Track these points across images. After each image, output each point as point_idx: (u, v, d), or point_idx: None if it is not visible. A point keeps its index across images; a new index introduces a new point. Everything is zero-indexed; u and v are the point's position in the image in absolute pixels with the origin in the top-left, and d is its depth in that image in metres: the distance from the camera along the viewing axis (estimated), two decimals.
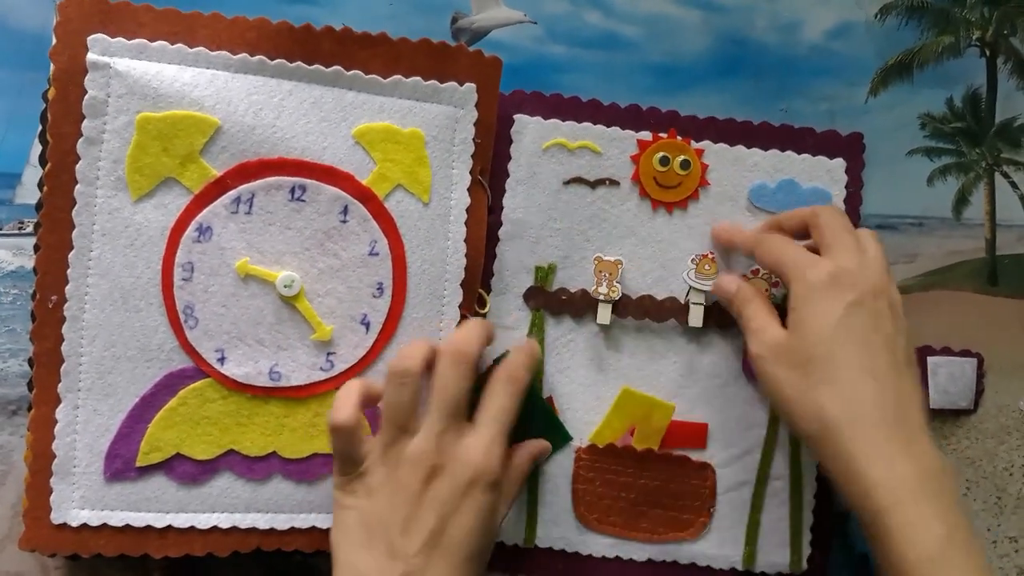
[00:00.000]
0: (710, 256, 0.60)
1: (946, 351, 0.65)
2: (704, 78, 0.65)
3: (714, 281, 0.59)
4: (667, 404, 0.61)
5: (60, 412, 0.52)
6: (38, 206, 0.52)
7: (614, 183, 0.61)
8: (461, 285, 0.58)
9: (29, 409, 0.53)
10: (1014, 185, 0.68)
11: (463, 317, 0.58)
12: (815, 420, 0.51)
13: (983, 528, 0.66)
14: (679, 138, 0.61)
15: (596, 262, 0.60)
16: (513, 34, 0.63)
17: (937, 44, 0.67)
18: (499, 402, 0.53)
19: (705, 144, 0.61)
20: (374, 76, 0.56)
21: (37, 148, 0.53)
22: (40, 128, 0.53)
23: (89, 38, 0.52)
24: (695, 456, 0.61)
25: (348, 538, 0.51)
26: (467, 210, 0.58)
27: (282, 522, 0.55)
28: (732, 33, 0.65)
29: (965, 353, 0.65)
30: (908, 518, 0.47)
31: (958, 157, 0.68)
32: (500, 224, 0.60)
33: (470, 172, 0.58)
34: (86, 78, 0.51)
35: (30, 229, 0.57)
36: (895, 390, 0.51)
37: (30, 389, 0.53)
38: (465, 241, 0.58)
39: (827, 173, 0.62)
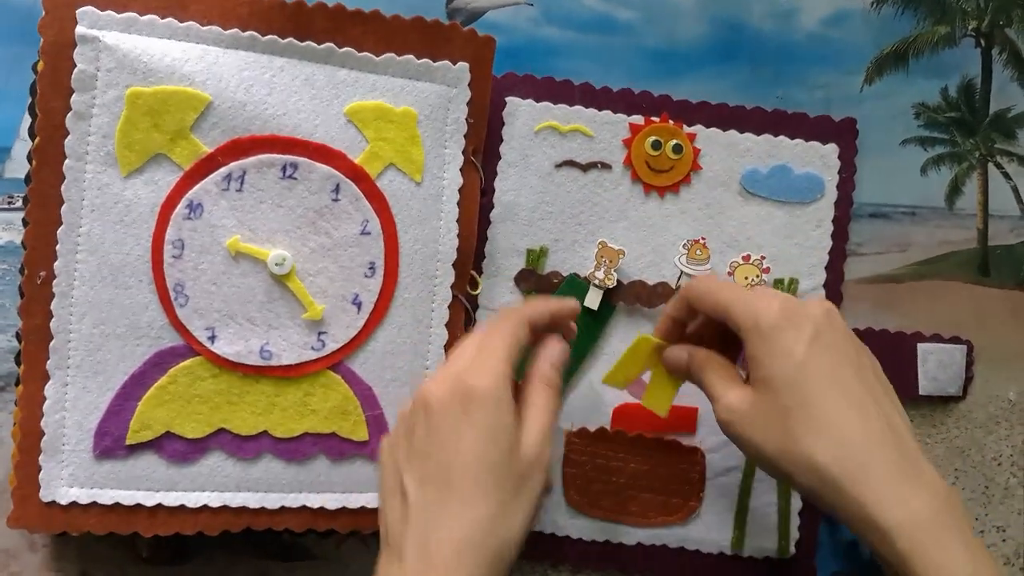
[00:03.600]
0: (702, 241, 0.60)
1: (936, 338, 0.65)
2: (700, 64, 0.65)
3: (665, 357, 0.55)
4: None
5: (49, 389, 0.52)
6: (27, 179, 0.52)
7: (606, 166, 0.61)
8: (453, 265, 0.58)
9: (17, 384, 0.52)
10: (1007, 176, 0.68)
11: (455, 298, 0.58)
12: (810, 474, 0.47)
13: (971, 517, 0.67)
14: (671, 122, 0.61)
15: (600, 246, 0.60)
16: (509, 15, 0.63)
17: (933, 34, 0.67)
18: (539, 402, 0.50)
19: (697, 128, 0.61)
20: (367, 54, 0.55)
21: (27, 122, 0.53)
22: (30, 101, 0.52)
23: (78, 11, 0.51)
24: (685, 441, 0.61)
25: (380, 494, 0.49)
26: (460, 190, 0.58)
27: (272, 501, 0.55)
28: (729, 19, 0.65)
29: (955, 340, 0.65)
30: (935, 560, 0.44)
31: (952, 147, 0.68)
32: (492, 207, 0.60)
33: (463, 152, 0.57)
34: (75, 51, 0.51)
35: (19, 203, 0.56)
36: (881, 419, 0.48)
37: (18, 364, 0.52)
38: (457, 221, 0.58)
39: (820, 159, 0.62)
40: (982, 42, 0.68)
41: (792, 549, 0.62)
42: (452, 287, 0.58)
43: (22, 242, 0.52)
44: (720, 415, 0.51)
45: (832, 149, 0.62)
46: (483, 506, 0.45)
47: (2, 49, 0.57)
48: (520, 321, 0.51)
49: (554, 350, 0.52)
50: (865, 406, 0.48)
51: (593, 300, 0.60)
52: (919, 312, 0.66)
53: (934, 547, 0.44)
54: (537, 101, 0.60)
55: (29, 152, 0.52)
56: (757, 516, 0.62)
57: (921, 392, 0.64)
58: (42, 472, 0.52)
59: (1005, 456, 0.67)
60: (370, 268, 0.56)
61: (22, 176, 0.53)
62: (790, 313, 0.49)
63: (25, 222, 0.52)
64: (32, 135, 0.52)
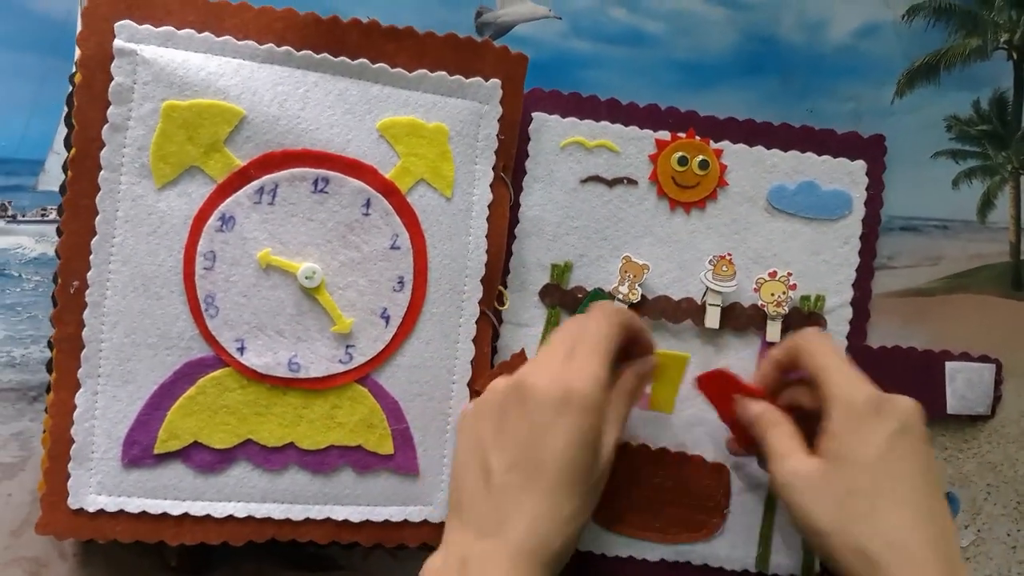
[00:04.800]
0: (728, 257, 0.61)
1: (964, 356, 0.65)
2: (729, 76, 0.65)
3: (740, 405, 0.57)
4: (680, 355, 0.58)
5: (79, 398, 0.52)
6: (61, 190, 0.52)
7: (632, 182, 0.61)
8: (481, 281, 0.58)
9: (48, 391, 0.53)
10: None
11: (482, 313, 0.58)
12: (855, 556, 0.48)
13: (1003, 533, 0.66)
14: (698, 138, 0.61)
15: (624, 261, 0.60)
16: (538, 29, 0.63)
17: (964, 46, 0.67)
18: (619, 413, 0.53)
19: (724, 144, 0.62)
20: (400, 70, 0.56)
21: (60, 135, 0.54)
22: (65, 111, 0.53)
23: (116, 24, 0.52)
24: (710, 456, 0.61)
25: (455, 460, 0.52)
26: (489, 206, 0.58)
27: (297, 513, 0.55)
28: (758, 31, 0.65)
29: (984, 359, 0.65)
30: None
31: (983, 160, 0.67)
32: (517, 222, 0.60)
33: (493, 168, 0.58)
34: (112, 64, 0.51)
35: (53, 216, 0.57)
36: (936, 524, 0.49)
37: (49, 371, 0.53)
38: (486, 237, 0.58)
39: (848, 175, 0.62)
40: (1014, 55, 0.68)
41: (818, 567, 0.62)
42: (480, 302, 0.58)
43: (56, 251, 0.52)
44: (781, 476, 0.52)
45: (860, 166, 0.62)
46: (566, 505, 0.48)
47: (35, 61, 0.57)
48: (622, 325, 0.53)
49: (647, 365, 0.56)
50: (925, 510, 0.49)
51: None
52: (950, 326, 0.66)
53: None
54: (563, 117, 0.61)
55: (64, 162, 0.53)
56: (782, 534, 0.62)
57: (949, 411, 0.64)
58: (71, 480, 0.52)
59: None
60: (399, 282, 0.56)
61: (56, 188, 0.53)
62: (883, 401, 0.51)
63: (59, 232, 0.52)
64: (68, 146, 0.52)
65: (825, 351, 0.54)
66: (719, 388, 0.58)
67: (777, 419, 0.55)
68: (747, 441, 0.58)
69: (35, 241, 0.58)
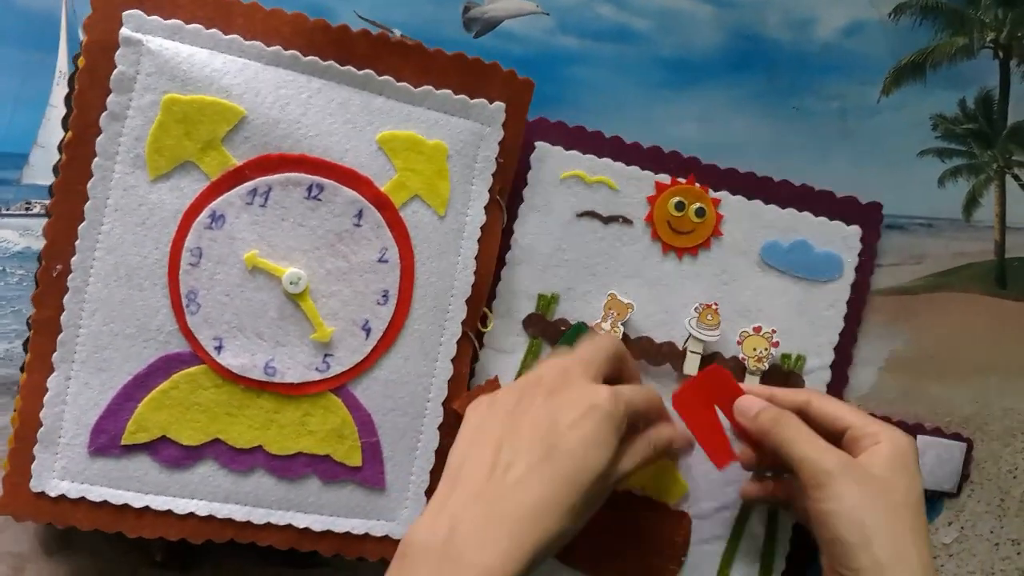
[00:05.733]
0: (714, 306, 0.60)
1: (937, 432, 0.65)
2: (715, 73, 0.65)
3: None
4: (683, 483, 0.61)
5: (52, 381, 0.52)
6: (54, 171, 0.52)
7: (627, 221, 0.61)
8: (466, 302, 0.58)
9: (21, 371, 0.52)
10: None
11: (464, 333, 0.58)
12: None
13: (986, 530, 0.67)
14: (698, 185, 0.61)
15: (609, 298, 0.60)
16: (524, 25, 0.62)
17: (951, 45, 0.67)
18: (643, 446, 0.54)
19: (723, 194, 0.61)
20: (405, 84, 0.55)
21: (45, 129, 0.53)
22: (67, 92, 0.52)
23: (124, 13, 0.51)
24: (673, 504, 0.61)
25: (459, 439, 0.52)
26: (482, 228, 0.58)
27: (259, 516, 0.55)
28: (744, 29, 0.65)
29: (955, 436, 0.65)
30: None
31: (969, 159, 0.67)
32: (509, 248, 0.60)
33: (489, 191, 0.58)
34: (117, 53, 0.51)
35: (37, 210, 0.57)
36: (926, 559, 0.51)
37: (25, 351, 0.53)
38: (476, 258, 0.58)
39: (842, 239, 0.62)
40: (1000, 53, 0.68)
41: None
42: (463, 323, 0.58)
43: (43, 231, 0.52)
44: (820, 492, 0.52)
45: (855, 231, 0.62)
46: (567, 499, 0.48)
47: (19, 56, 0.57)
48: (610, 354, 0.54)
49: (680, 436, 0.57)
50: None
51: None
52: (935, 324, 0.66)
53: None
54: (566, 149, 0.60)
55: (59, 144, 0.52)
56: None
57: None
58: (35, 462, 0.52)
59: (1021, 469, 0.67)
60: (383, 296, 0.56)
61: (40, 182, 0.53)
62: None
63: (48, 214, 0.52)
64: (66, 128, 0.52)
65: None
66: (707, 395, 0.58)
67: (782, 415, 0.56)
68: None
69: (19, 235, 0.57)
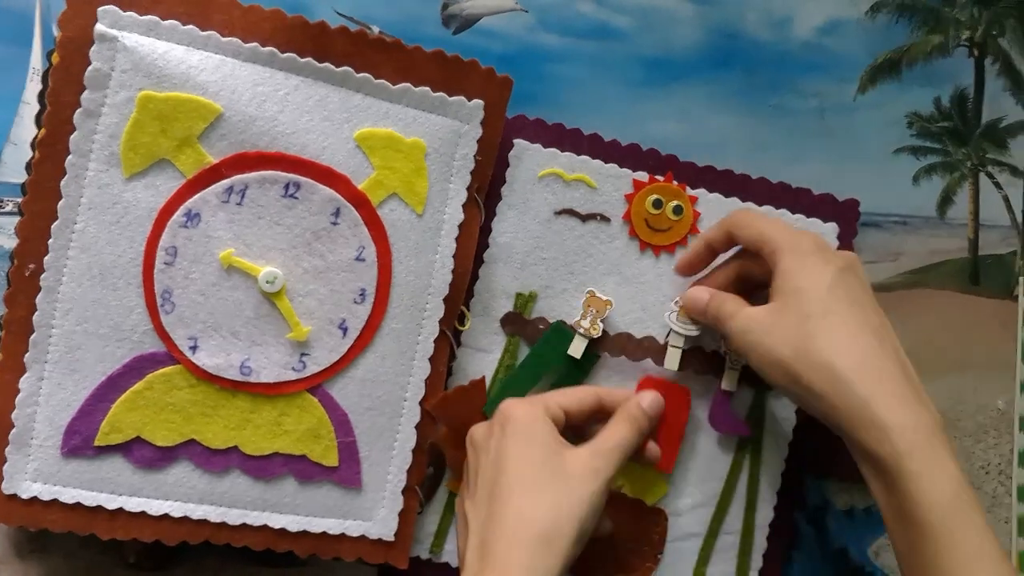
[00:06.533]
0: None
1: None
2: (695, 71, 0.65)
3: (686, 297, 0.59)
4: (662, 484, 0.62)
5: (24, 382, 0.51)
6: (27, 168, 0.51)
7: (605, 219, 0.61)
8: (444, 300, 0.57)
9: None
10: (998, 186, 0.69)
11: (442, 332, 0.58)
12: (822, 371, 0.51)
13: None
14: (675, 183, 0.61)
15: (588, 295, 0.60)
16: (504, 22, 0.62)
17: (927, 43, 0.68)
18: (610, 429, 0.55)
19: (700, 192, 0.62)
20: (383, 81, 0.55)
21: (18, 127, 0.53)
22: (40, 89, 0.52)
23: (100, 9, 0.50)
24: (651, 501, 0.61)
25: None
26: (459, 226, 0.57)
27: (234, 517, 0.55)
28: (724, 27, 0.65)
29: None
30: (927, 462, 0.48)
31: (944, 156, 0.68)
32: (487, 246, 0.60)
33: (467, 189, 0.57)
34: (92, 49, 0.50)
35: (9, 208, 0.56)
36: (893, 347, 0.52)
37: None
38: (453, 257, 0.57)
39: None
40: (975, 52, 0.69)
41: None
42: (440, 321, 0.58)
43: (15, 230, 0.51)
44: (738, 325, 0.54)
45: (832, 228, 0.63)
46: (525, 497, 0.50)
47: None
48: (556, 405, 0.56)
49: (651, 398, 0.57)
50: (881, 333, 0.52)
51: (577, 349, 0.60)
52: (910, 320, 0.67)
53: (929, 449, 0.48)
54: (545, 146, 0.60)
55: (32, 141, 0.52)
56: None
57: None
58: (7, 464, 0.51)
59: (993, 465, 0.68)
60: (360, 295, 0.56)
61: (13, 180, 0.52)
62: (826, 246, 0.55)
63: (21, 212, 0.51)
64: (39, 125, 0.51)
65: (761, 218, 0.57)
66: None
67: (724, 295, 0.57)
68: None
69: None
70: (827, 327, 0.51)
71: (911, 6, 0.67)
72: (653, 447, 0.58)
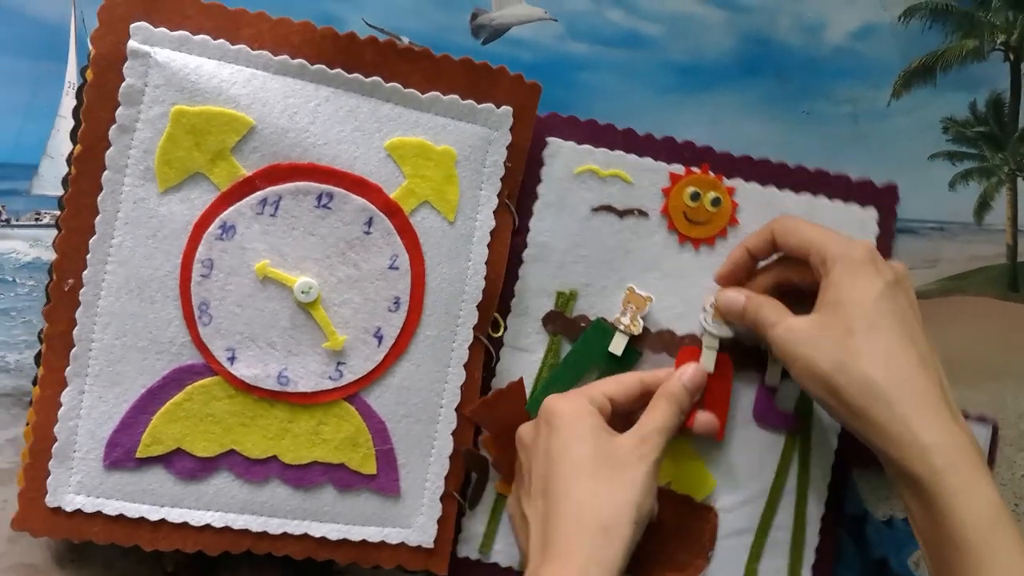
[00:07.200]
0: None
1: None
2: (727, 78, 0.64)
3: (720, 298, 0.59)
4: (711, 479, 0.61)
5: (65, 396, 0.52)
6: (64, 184, 0.52)
7: (643, 214, 0.61)
8: (477, 307, 0.57)
9: (34, 384, 0.52)
10: None
11: (476, 339, 0.58)
12: (862, 388, 0.50)
13: None
14: (712, 174, 0.61)
15: (628, 292, 0.60)
16: (534, 31, 0.62)
17: (961, 47, 0.67)
18: (653, 409, 0.56)
19: (737, 182, 0.61)
20: (412, 90, 0.55)
21: (54, 139, 0.53)
22: (75, 105, 0.52)
23: (132, 25, 0.51)
24: (700, 498, 0.61)
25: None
26: (491, 232, 0.57)
27: (275, 526, 0.55)
28: (755, 33, 0.65)
29: (981, 419, 0.64)
30: (966, 480, 0.48)
31: (980, 162, 0.67)
32: (525, 246, 0.60)
33: (498, 195, 0.57)
34: (125, 65, 0.51)
35: (47, 220, 0.57)
36: (935, 366, 0.52)
37: (37, 365, 0.52)
38: (486, 263, 0.57)
39: (858, 222, 0.62)
40: (1011, 56, 0.68)
41: None
42: (474, 328, 0.58)
43: (53, 245, 0.52)
44: (781, 334, 0.54)
45: (871, 214, 0.62)
46: (580, 489, 0.51)
47: (29, 65, 0.57)
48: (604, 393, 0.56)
49: (691, 372, 0.57)
50: (924, 350, 0.52)
51: (618, 346, 0.60)
52: (948, 328, 0.66)
53: (967, 470, 0.48)
54: (579, 144, 0.60)
55: (68, 156, 0.52)
56: None
57: None
58: (50, 477, 0.52)
59: None
60: (395, 303, 0.56)
61: (50, 193, 0.53)
62: (878, 257, 0.54)
63: (58, 227, 0.52)
64: (75, 140, 0.52)
65: (808, 225, 0.56)
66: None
67: (762, 299, 0.57)
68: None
69: (29, 246, 0.57)
70: (869, 342, 0.51)
71: (945, 10, 0.66)
72: (710, 419, 0.58)
